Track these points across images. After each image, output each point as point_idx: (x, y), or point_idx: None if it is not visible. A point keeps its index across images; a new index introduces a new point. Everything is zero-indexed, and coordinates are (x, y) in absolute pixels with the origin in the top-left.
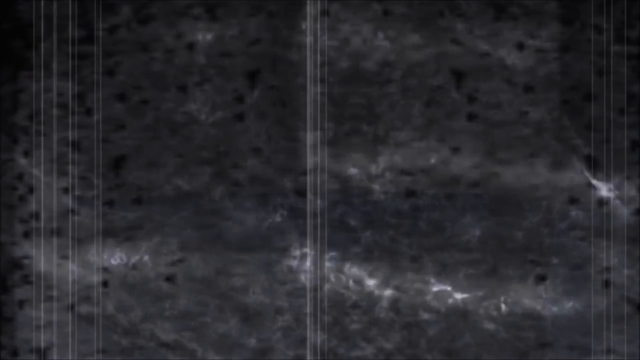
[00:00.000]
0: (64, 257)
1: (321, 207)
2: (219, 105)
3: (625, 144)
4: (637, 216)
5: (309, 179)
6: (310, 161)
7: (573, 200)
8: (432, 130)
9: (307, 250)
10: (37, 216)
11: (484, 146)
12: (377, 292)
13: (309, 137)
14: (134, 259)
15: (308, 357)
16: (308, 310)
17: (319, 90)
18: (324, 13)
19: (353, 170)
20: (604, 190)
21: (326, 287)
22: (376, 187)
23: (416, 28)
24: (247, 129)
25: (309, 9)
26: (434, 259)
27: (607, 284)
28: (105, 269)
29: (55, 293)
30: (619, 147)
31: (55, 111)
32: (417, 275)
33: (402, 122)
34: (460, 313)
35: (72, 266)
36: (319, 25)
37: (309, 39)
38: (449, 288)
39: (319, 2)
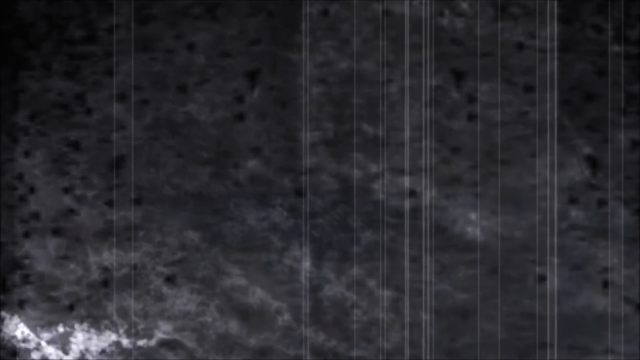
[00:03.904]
0: (64, 257)
1: (321, 207)
2: (219, 105)
3: (625, 144)
4: (637, 216)
5: (309, 179)
6: (310, 161)
7: (573, 200)
8: (432, 130)
9: (307, 250)
10: (37, 216)
11: (484, 146)
12: (377, 292)
13: (309, 137)
14: (134, 259)
15: (308, 357)
16: (308, 311)
17: (320, 90)
18: (324, 13)
19: (353, 170)
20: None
21: (326, 287)
22: (376, 187)
23: (416, 28)
24: (247, 129)
25: (309, 9)
26: (434, 259)
27: (607, 284)
28: (105, 269)
29: (55, 293)
30: (619, 147)
31: (55, 111)
32: (417, 275)
33: (402, 122)
34: (460, 313)
35: (72, 266)
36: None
37: (308, 39)
38: (449, 288)
39: (319, 1)
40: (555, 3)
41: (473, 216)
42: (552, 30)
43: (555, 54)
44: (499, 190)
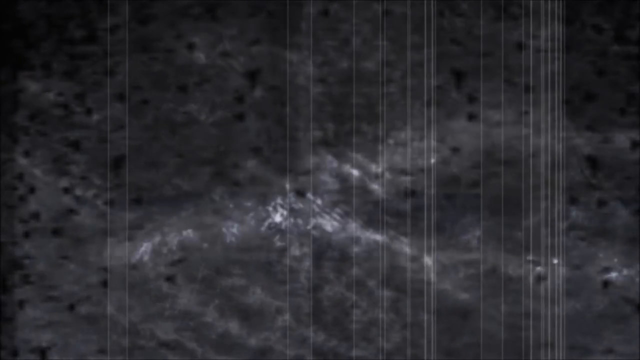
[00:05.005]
0: (64, 257)
1: (322, 207)
2: (219, 105)
3: (625, 144)
4: (637, 216)
5: (308, 179)
6: (310, 161)
7: (573, 200)
8: (432, 130)
9: (308, 250)
10: (37, 216)
11: (484, 146)
12: (377, 291)
13: (309, 137)
14: (134, 259)
15: (308, 357)
16: (308, 311)
17: (320, 90)
18: (324, 13)
19: (353, 170)
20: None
21: (326, 287)
22: (376, 187)
23: (416, 28)
24: (247, 129)
25: (309, 9)
26: (434, 259)
27: (607, 284)
28: (105, 269)
29: (55, 293)
30: (619, 147)
31: (55, 111)
32: (418, 275)
33: (402, 122)
34: (460, 313)
35: (72, 266)
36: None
37: (309, 39)
38: (449, 288)
39: (319, 1)
40: (558, 3)
41: (473, 216)
42: (552, 30)
43: (557, 54)
44: (502, 190)
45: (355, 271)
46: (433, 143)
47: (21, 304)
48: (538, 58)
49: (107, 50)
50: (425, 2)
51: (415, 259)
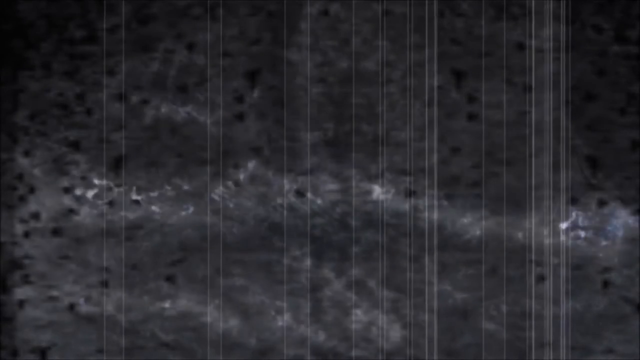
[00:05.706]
0: (64, 257)
1: (321, 207)
2: (219, 105)
3: (625, 144)
4: (637, 216)
5: (309, 179)
6: (310, 161)
7: (573, 200)
8: (432, 130)
9: (307, 250)
10: (37, 216)
11: (484, 146)
12: (378, 291)
13: (309, 137)
14: (134, 259)
15: (308, 357)
16: (308, 311)
17: (320, 90)
18: (324, 13)
19: (353, 171)
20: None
21: (326, 287)
22: (376, 187)
23: (416, 28)
24: (247, 129)
25: (309, 9)
26: (433, 259)
27: (607, 284)
28: (105, 269)
29: (55, 293)
30: (619, 147)
31: (55, 111)
32: (417, 275)
33: (402, 122)
34: (460, 313)
35: (72, 266)
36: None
37: (309, 39)
38: (449, 288)
39: (319, 1)
40: (559, 3)
41: (473, 216)
42: (552, 30)
43: (559, 54)
44: (503, 190)
45: (355, 271)
46: (433, 143)
47: (21, 304)
48: (538, 58)
49: (107, 50)
50: (425, 2)
51: (415, 259)
